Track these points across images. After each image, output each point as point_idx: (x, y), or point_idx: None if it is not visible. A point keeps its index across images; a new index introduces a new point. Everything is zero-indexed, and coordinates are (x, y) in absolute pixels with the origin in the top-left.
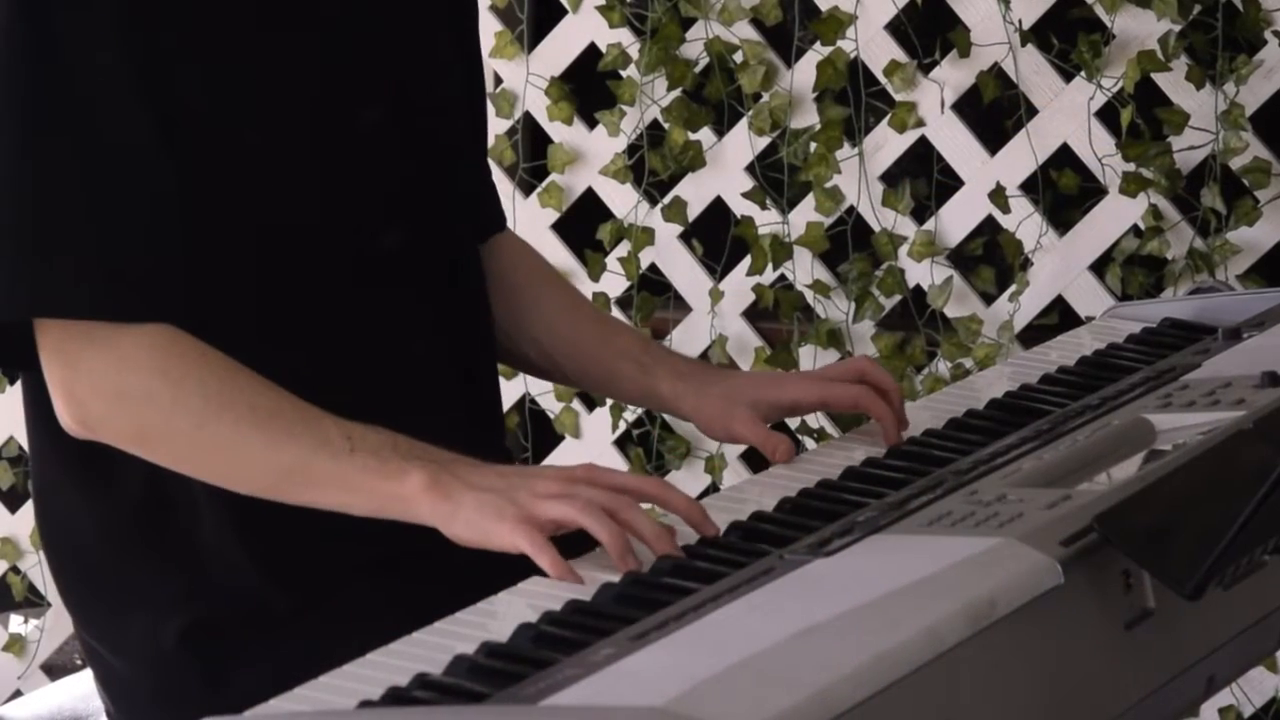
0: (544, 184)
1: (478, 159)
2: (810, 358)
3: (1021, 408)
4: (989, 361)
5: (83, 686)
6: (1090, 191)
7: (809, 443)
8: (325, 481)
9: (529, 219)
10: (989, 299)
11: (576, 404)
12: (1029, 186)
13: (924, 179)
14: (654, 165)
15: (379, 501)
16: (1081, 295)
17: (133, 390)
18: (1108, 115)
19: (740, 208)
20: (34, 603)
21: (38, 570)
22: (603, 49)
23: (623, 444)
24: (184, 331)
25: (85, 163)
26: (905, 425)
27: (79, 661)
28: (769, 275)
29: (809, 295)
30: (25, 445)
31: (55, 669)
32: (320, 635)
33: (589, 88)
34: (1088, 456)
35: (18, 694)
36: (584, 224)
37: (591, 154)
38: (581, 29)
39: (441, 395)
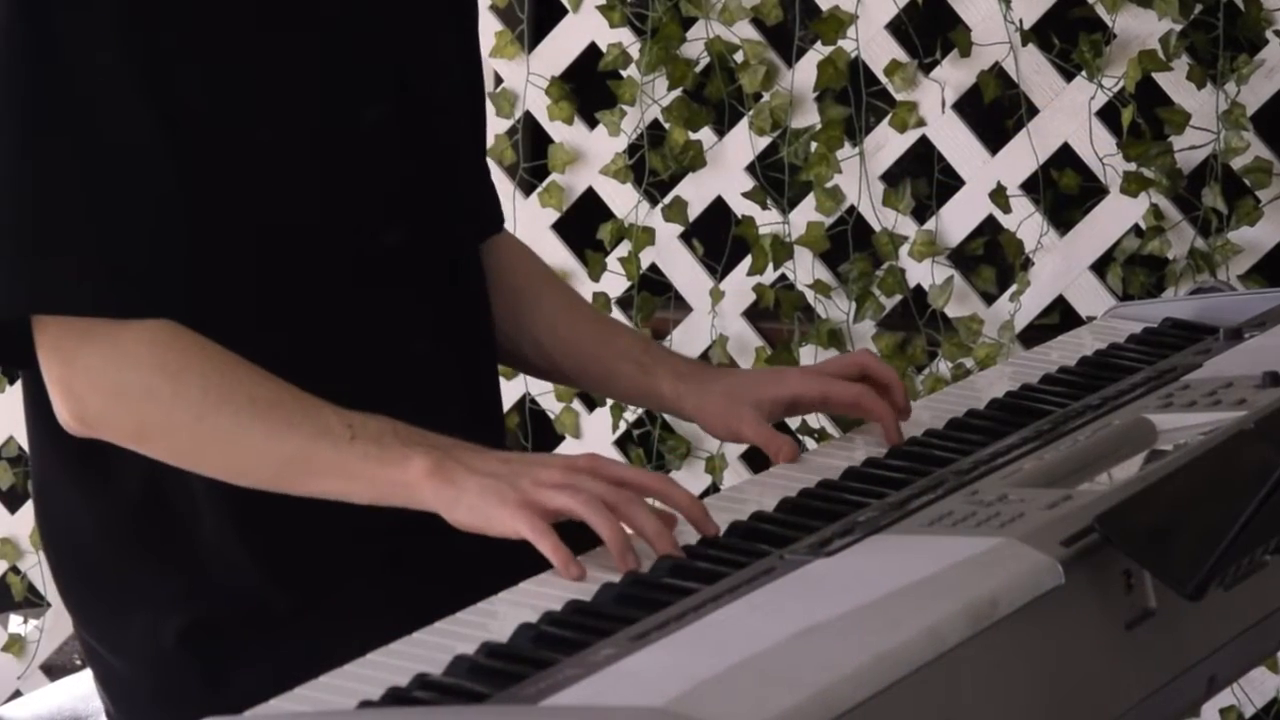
0: (544, 184)
1: (478, 159)
2: (811, 357)
3: (1022, 408)
4: (990, 361)
5: (83, 686)
6: (1091, 191)
7: (810, 442)
8: (327, 470)
9: (529, 219)
10: (990, 299)
11: (577, 404)
12: (1030, 186)
13: (925, 179)
14: (654, 165)
15: (381, 488)
16: (1082, 295)
17: (132, 386)
18: (1109, 115)
19: (741, 207)
20: (34, 603)
21: (37, 570)
22: (603, 49)
23: (623, 444)
24: (182, 327)
25: (85, 162)
26: (908, 415)
27: (79, 661)
28: (769, 275)
29: (810, 295)
30: (25, 445)
31: (55, 669)
32: (320, 635)
33: (589, 87)
34: (1089, 456)
35: (17, 694)
36: (584, 224)
37: (592, 154)
38: (582, 28)
39: (442, 395)
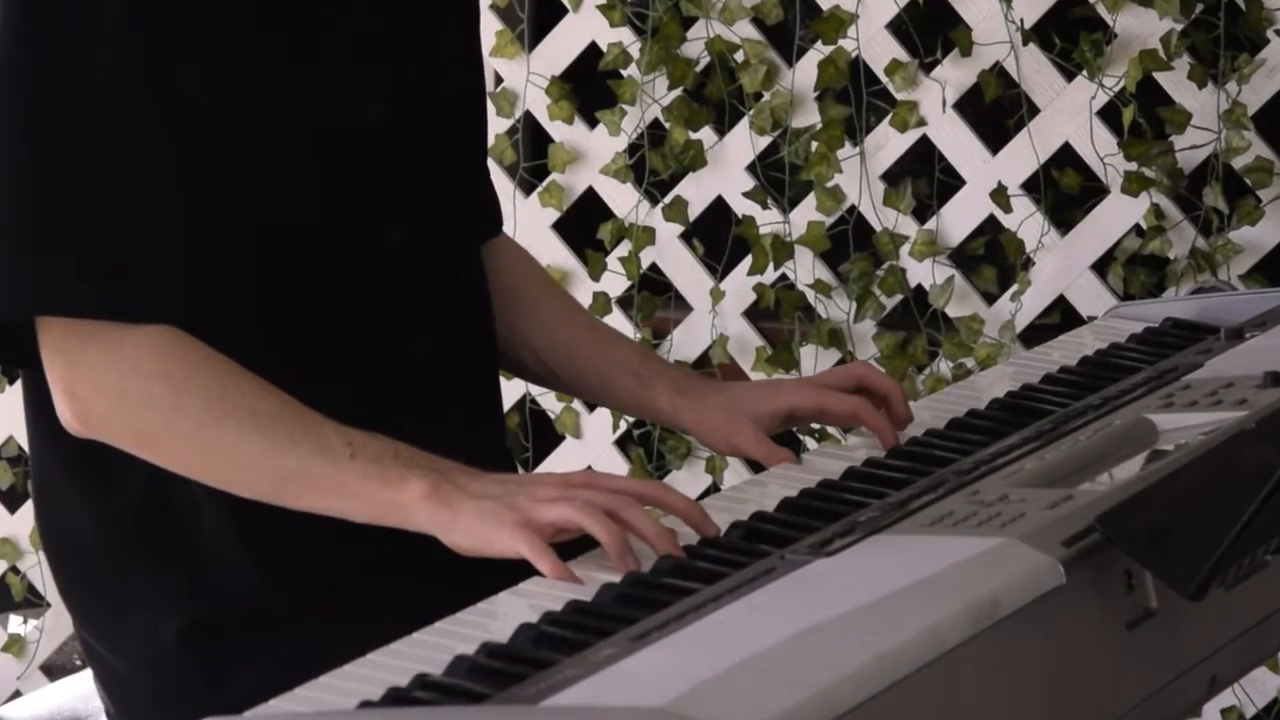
0: (544, 183)
1: (478, 159)
2: (811, 357)
3: (1023, 408)
4: (990, 361)
5: (82, 687)
6: (1092, 191)
7: (810, 443)
8: (324, 487)
9: (529, 218)
10: (990, 298)
11: (577, 404)
12: (1030, 186)
13: (925, 178)
14: (655, 165)
15: (378, 508)
16: (1083, 295)
17: (134, 392)
18: (1109, 114)
19: (741, 207)
20: (33, 603)
21: (37, 571)
22: (603, 48)
23: (623, 444)
24: (186, 334)
25: (87, 162)
26: (910, 420)
27: (78, 662)
28: (770, 275)
29: (810, 295)
30: (25, 445)
31: (55, 669)
32: (320, 635)
33: (590, 87)
34: (1090, 456)
35: (17, 694)
36: (585, 223)
37: (592, 153)
38: (582, 28)
39: (442, 395)
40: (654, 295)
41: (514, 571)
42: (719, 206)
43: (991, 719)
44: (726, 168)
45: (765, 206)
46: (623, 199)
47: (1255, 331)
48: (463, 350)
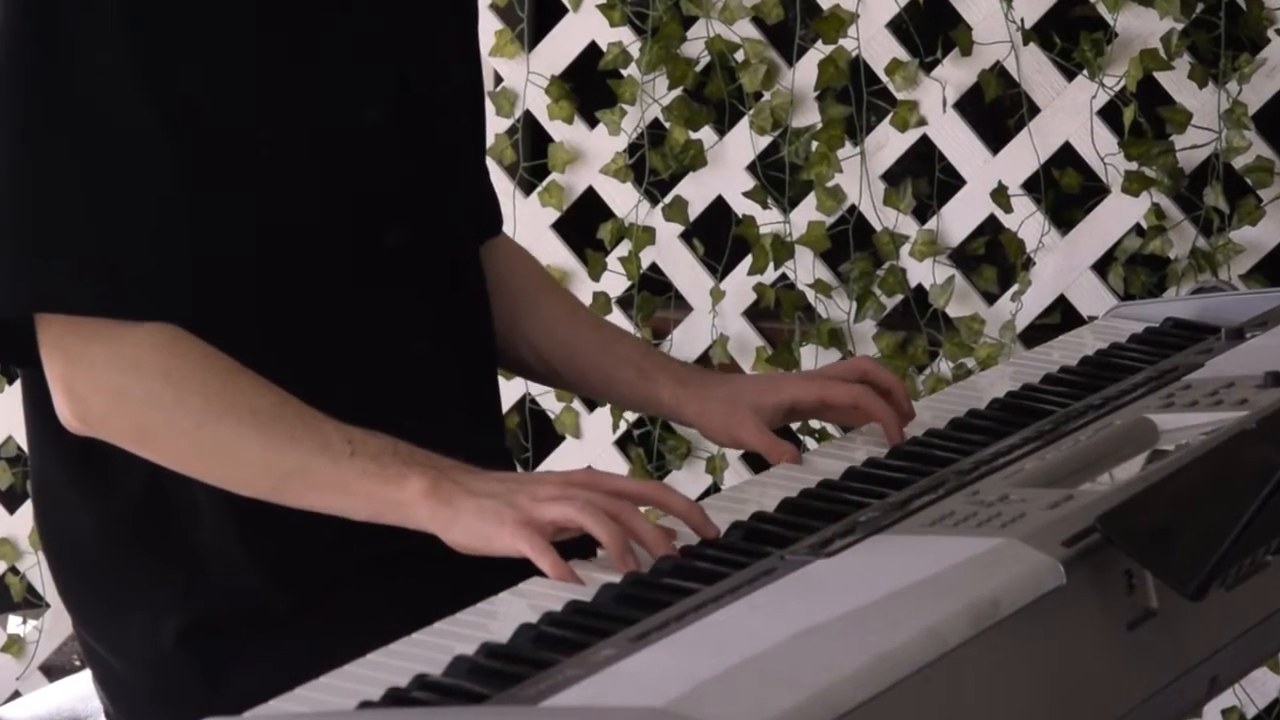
0: (544, 183)
1: (478, 159)
2: (811, 357)
3: (1024, 408)
4: (991, 361)
5: (82, 687)
6: (1092, 191)
7: (810, 443)
8: (324, 485)
9: (529, 218)
10: (991, 298)
11: (577, 404)
12: (1031, 186)
13: (926, 178)
14: (655, 164)
15: (378, 506)
16: (1084, 295)
17: (134, 390)
18: (1110, 114)
19: (741, 207)
20: (33, 603)
21: (36, 571)
22: (603, 48)
23: (623, 444)
24: (186, 332)
25: (87, 162)
26: (913, 416)
27: (78, 662)
28: (770, 275)
29: (810, 295)
30: (24, 445)
31: (54, 670)
32: (320, 635)
33: (589, 86)
34: (1090, 456)
35: (16, 695)
36: (584, 223)
37: (592, 153)
38: (582, 28)
39: (442, 395)
40: (654, 295)
41: (514, 571)
42: (719, 206)
43: (992, 719)
44: (727, 167)
45: (765, 206)
46: (623, 199)
47: (1256, 331)
48: (462, 350)
